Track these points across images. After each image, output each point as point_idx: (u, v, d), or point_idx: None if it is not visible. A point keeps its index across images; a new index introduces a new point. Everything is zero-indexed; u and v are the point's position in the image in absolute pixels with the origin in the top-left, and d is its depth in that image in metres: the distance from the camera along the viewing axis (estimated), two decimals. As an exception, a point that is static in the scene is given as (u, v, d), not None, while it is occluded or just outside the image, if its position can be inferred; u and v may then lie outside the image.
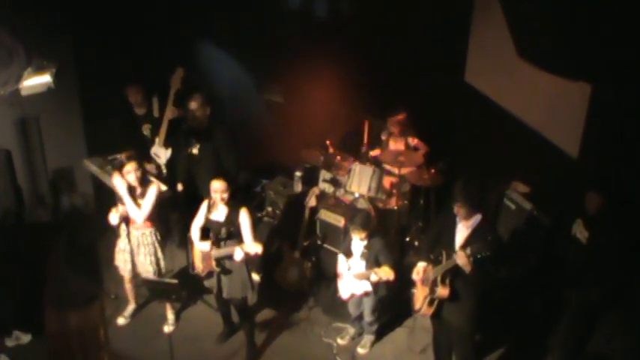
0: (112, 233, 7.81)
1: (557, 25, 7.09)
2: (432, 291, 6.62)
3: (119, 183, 7.35)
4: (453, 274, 6.48)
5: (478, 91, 9.20)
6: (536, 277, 7.78)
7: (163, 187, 8.05)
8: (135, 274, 7.78)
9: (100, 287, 8.53)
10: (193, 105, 8.26)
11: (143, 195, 7.38)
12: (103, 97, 9.06)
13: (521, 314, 7.84)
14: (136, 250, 7.61)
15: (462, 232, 6.53)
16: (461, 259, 6.29)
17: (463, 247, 6.38)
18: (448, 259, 6.46)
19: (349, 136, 9.87)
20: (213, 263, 7.14)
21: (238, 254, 6.91)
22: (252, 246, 6.90)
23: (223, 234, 7.11)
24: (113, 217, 7.37)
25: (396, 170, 8.82)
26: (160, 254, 7.65)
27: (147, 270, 7.64)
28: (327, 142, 9.39)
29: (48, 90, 8.08)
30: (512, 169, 8.56)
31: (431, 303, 6.68)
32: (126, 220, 7.48)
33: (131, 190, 7.34)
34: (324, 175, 9.35)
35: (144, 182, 7.37)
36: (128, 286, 8.03)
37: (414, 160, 8.79)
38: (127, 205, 7.33)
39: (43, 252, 8.54)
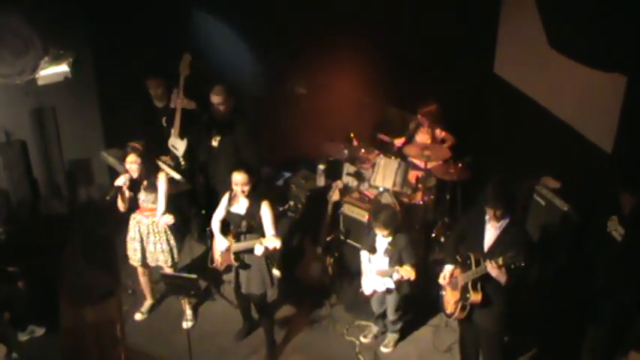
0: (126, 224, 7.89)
1: (591, 14, 6.98)
2: (464, 297, 6.59)
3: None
4: (484, 279, 6.45)
5: (507, 83, 9.15)
6: (566, 276, 7.73)
7: (177, 176, 8.23)
8: (145, 265, 7.85)
9: (117, 282, 8.60)
10: (216, 98, 8.26)
11: (152, 188, 7.48)
12: (122, 88, 9.19)
13: (551, 315, 7.81)
14: (145, 239, 7.68)
15: (490, 232, 6.48)
16: (493, 269, 6.25)
17: (493, 252, 6.33)
18: (477, 265, 6.42)
19: (380, 128, 9.87)
20: (232, 257, 7.16)
21: (258, 249, 6.92)
22: (271, 240, 6.88)
23: (243, 227, 7.13)
24: (119, 181, 7.43)
25: (422, 164, 8.82)
26: (172, 242, 7.71)
27: (157, 259, 7.71)
28: (351, 135, 9.40)
29: (65, 80, 8.16)
30: (543, 163, 8.50)
31: (463, 308, 6.66)
32: (135, 206, 7.59)
33: (136, 182, 7.45)
34: (348, 168, 9.36)
35: (149, 174, 7.47)
36: (143, 279, 8.10)
37: (440, 154, 8.79)
38: (159, 204, 7.49)
39: (59, 245, 8.64)
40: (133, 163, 7.37)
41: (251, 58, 9.98)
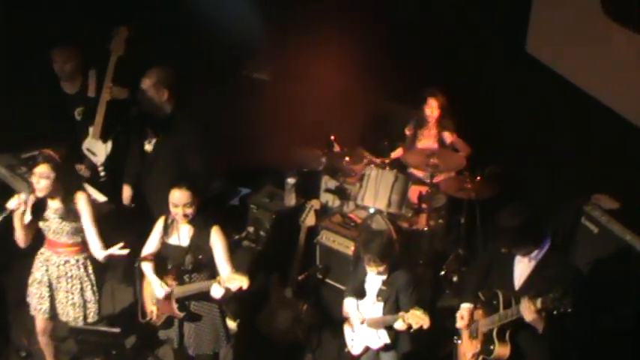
0: (27, 262, 7.54)
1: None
2: (486, 349, 6.40)
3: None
4: (516, 325, 6.25)
5: (544, 66, 9.11)
6: (632, 328, 7.49)
7: (101, 198, 8.07)
8: (55, 317, 7.46)
9: (5, 341, 8.29)
10: (146, 83, 8.02)
11: (70, 214, 7.11)
12: (17, 67, 8.96)
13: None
14: (55, 284, 7.32)
15: (523, 263, 6.33)
16: (529, 314, 6.04)
17: (528, 290, 6.19)
18: (507, 307, 6.25)
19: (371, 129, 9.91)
20: (175, 306, 6.90)
21: (216, 291, 6.64)
22: (234, 279, 6.59)
23: (188, 264, 6.89)
24: (12, 203, 7.01)
25: (427, 177, 8.73)
26: (88, 294, 7.37)
27: (67, 314, 7.38)
28: (332, 138, 9.35)
29: None
30: (594, 175, 8.44)
31: (483, 364, 6.57)
32: (42, 239, 7.30)
33: (41, 204, 7.11)
34: (327, 182, 9.34)
35: (66, 194, 7.11)
36: (43, 339, 7.65)
37: (452, 162, 8.70)
38: (90, 236, 7.19)
39: None
40: (43, 178, 6.94)
41: (201, 34, 9.93)
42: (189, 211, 6.76)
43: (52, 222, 7.17)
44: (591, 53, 8.54)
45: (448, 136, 9.06)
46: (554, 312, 5.86)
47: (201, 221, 6.87)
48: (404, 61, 9.52)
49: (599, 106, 8.43)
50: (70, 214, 7.14)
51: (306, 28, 9.60)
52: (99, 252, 7.13)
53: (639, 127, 8.02)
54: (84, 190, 7.39)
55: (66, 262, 7.25)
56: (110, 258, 7.13)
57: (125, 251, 7.04)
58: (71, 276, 7.27)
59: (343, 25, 9.42)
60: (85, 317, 7.38)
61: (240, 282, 6.59)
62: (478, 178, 8.58)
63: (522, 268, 6.33)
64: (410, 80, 9.37)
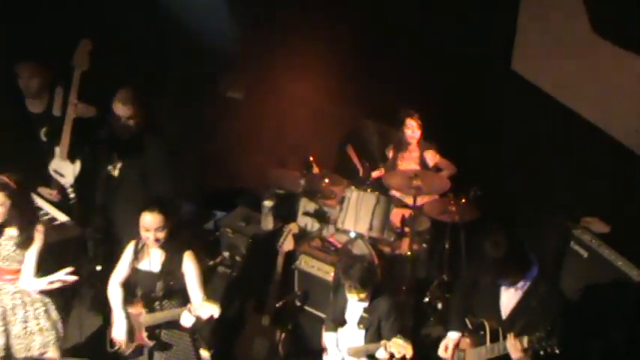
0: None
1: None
2: None
3: None
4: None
5: (529, 83, 9.15)
6: (622, 356, 7.61)
7: (62, 217, 8.00)
8: (10, 356, 7.20)
9: None
10: (124, 109, 7.93)
11: (25, 241, 6.98)
12: None
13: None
14: (10, 316, 7.10)
15: (509, 293, 6.33)
16: (515, 352, 6.04)
17: (515, 321, 6.22)
18: (493, 341, 6.24)
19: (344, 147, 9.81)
20: (144, 335, 6.85)
21: (187, 320, 6.60)
22: (205, 306, 6.55)
23: (159, 291, 6.85)
24: None
25: (409, 199, 8.71)
26: (48, 324, 7.14)
27: (28, 346, 7.15)
28: (310, 159, 9.26)
29: None
30: (583, 197, 8.46)
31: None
32: None
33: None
34: (306, 205, 9.26)
35: (23, 222, 6.98)
36: None
37: (435, 184, 8.63)
38: (27, 263, 7.02)
39: None
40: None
41: (173, 50, 9.92)
42: (161, 235, 6.71)
43: (2, 249, 7.04)
44: (577, 70, 8.56)
45: (431, 157, 9.04)
46: (541, 352, 5.85)
47: (173, 246, 6.81)
48: (386, 78, 9.50)
49: (590, 127, 8.46)
50: (26, 242, 7.04)
51: (279, 44, 9.59)
52: (29, 282, 6.98)
53: (629, 147, 8.05)
54: (41, 221, 7.29)
55: (22, 290, 7.09)
56: (48, 289, 7.00)
57: (72, 278, 6.91)
58: (30, 302, 7.09)
59: (321, 41, 9.36)
60: (56, 341, 7.20)
61: (210, 310, 6.54)
62: (462, 200, 8.55)
63: (509, 297, 6.30)
64: (392, 98, 9.37)
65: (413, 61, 9.36)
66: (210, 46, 9.75)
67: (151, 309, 6.84)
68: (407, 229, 8.72)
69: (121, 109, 7.98)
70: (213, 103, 10.19)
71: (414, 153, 9.10)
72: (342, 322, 7.19)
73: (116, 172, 8.24)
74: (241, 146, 9.93)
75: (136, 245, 6.97)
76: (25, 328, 7.11)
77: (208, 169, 9.99)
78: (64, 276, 6.93)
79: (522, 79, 9.21)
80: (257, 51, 9.79)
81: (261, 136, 9.91)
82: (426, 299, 8.82)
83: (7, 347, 7.18)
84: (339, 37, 9.38)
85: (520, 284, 6.21)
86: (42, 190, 8.27)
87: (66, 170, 8.37)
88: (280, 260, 8.46)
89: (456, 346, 6.59)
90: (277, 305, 8.39)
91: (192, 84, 10.11)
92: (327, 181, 9.14)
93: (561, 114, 8.75)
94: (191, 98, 10.16)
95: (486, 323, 6.31)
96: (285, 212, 9.41)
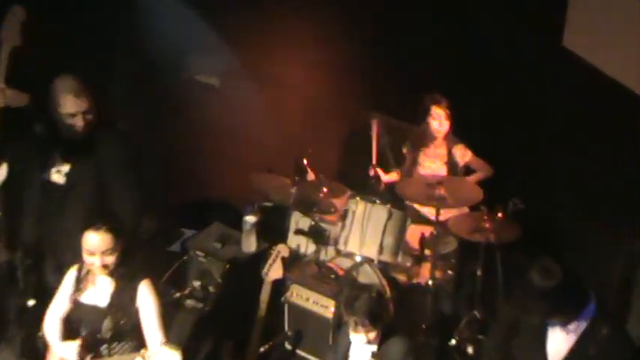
0: None
1: None
2: None
3: None
4: None
5: (585, 62, 8.46)
6: None
7: None
8: None
9: None
10: (74, 105, 7.09)
11: None
12: None
13: None
14: None
15: (558, 336, 5.72)
16: None
17: None
18: None
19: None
20: None
21: None
22: (164, 352, 5.93)
23: (106, 332, 6.32)
24: None
25: (430, 213, 8.13)
26: None
27: None
28: (304, 161, 8.69)
29: None
30: None
31: None
32: None
33: None
34: (299, 221, 8.62)
35: None
36: None
37: (464, 193, 7.97)
38: None
39: None
40: None
41: (132, 25, 9.31)
42: (110, 260, 6.15)
43: None
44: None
45: (461, 153, 8.40)
46: None
47: (125, 274, 6.25)
48: (397, 59, 9.09)
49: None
50: None
51: (270, 18, 9.17)
52: None
53: None
54: None
55: None
56: None
57: None
58: None
59: (315, 14, 8.95)
60: None
61: (171, 357, 5.88)
62: (499, 214, 7.68)
63: (558, 341, 5.71)
64: (405, 85, 8.91)
65: (438, 39, 8.83)
66: (179, 20, 9.45)
67: (96, 354, 6.30)
68: (427, 252, 8.08)
69: (72, 103, 7.14)
70: (181, 91, 9.79)
71: (439, 149, 8.45)
72: (344, 369, 6.67)
73: (61, 180, 7.36)
74: (217, 146, 9.59)
75: (79, 272, 6.38)
76: None
77: (174, 174, 9.55)
78: None
79: (576, 58, 8.57)
80: (237, 25, 9.34)
81: (242, 133, 9.52)
82: (453, 341, 8.07)
83: None
84: (343, 14, 8.94)
85: (573, 325, 5.63)
86: None
87: (-13, 175, 7.67)
88: (266, 291, 7.75)
89: None
90: (262, 350, 7.70)
91: (152, 66, 9.61)
92: (325, 190, 8.41)
93: (627, 100, 8.05)
94: (151, 84, 9.73)
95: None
96: (273, 230, 8.75)
